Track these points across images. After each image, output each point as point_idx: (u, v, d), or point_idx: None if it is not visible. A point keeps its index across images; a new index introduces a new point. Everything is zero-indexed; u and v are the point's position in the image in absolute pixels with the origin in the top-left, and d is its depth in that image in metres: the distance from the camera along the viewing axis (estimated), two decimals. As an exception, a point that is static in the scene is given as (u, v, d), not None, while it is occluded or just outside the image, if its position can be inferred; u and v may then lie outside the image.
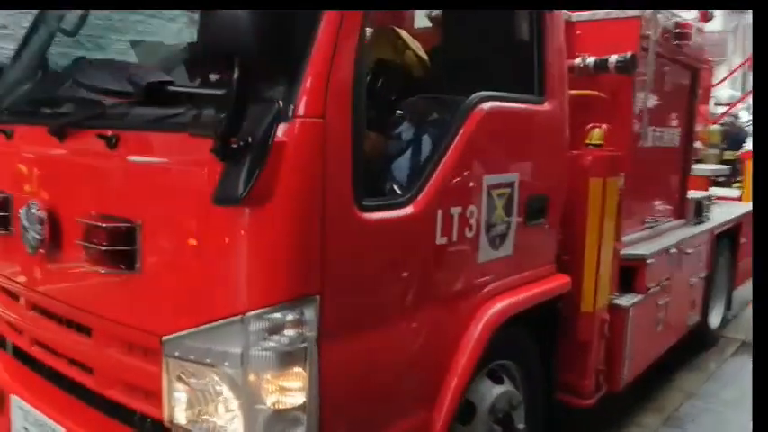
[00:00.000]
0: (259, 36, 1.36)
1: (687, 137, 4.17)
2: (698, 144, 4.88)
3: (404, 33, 2.72)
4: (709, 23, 4.50)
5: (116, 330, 1.89)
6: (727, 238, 4.80)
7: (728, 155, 6.56)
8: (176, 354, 1.71)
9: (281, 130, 1.57)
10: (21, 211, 2.10)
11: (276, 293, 1.62)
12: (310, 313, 1.65)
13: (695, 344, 4.60)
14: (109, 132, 1.83)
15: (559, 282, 2.71)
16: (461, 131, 2.11)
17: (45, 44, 2.62)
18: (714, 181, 5.73)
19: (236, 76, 1.38)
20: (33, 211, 2.05)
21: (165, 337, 1.73)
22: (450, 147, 2.07)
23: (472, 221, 2.17)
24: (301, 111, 1.59)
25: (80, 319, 2.00)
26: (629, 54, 3.06)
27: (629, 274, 3.32)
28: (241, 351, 1.62)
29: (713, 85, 5.89)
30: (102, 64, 2.21)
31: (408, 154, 2.16)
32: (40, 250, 2.06)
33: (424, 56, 2.70)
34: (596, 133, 3.00)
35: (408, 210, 1.92)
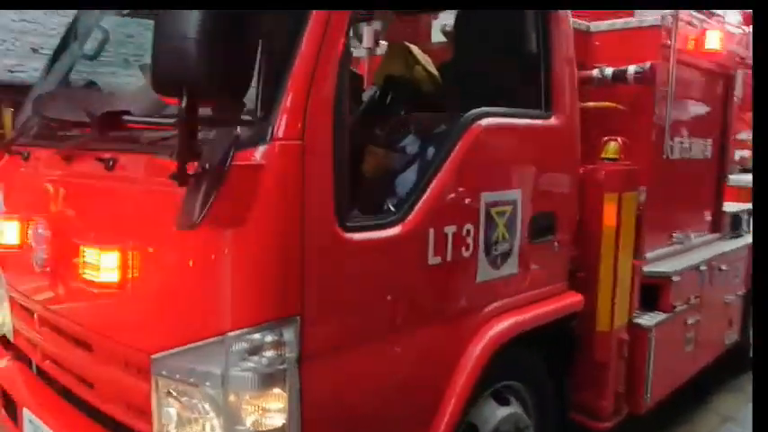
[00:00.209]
0: (207, 64, 1.37)
1: (722, 147, 3.99)
2: (745, 153, 4.66)
3: (414, 48, 2.71)
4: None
5: (113, 347, 1.93)
6: (768, 252, 4.56)
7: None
8: (164, 372, 1.74)
9: (259, 152, 1.58)
10: (29, 230, 2.20)
11: (255, 314, 1.62)
12: (290, 334, 1.64)
13: (734, 364, 4.38)
14: (107, 155, 1.89)
15: (571, 300, 2.62)
16: (456, 148, 2.07)
17: (67, 68, 2.73)
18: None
19: (183, 104, 1.40)
20: (40, 231, 2.14)
21: (153, 356, 1.75)
22: (443, 164, 2.04)
23: (469, 240, 2.12)
24: (280, 133, 1.60)
25: (81, 335, 2.06)
26: (647, 64, 2.98)
27: (653, 292, 3.19)
28: (221, 372, 1.63)
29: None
30: (68, 93, 2.27)
31: (409, 170, 2.14)
32: (46, 268, 2.14)
33: (434, 71, 2.68)
34: (612, 146, 2.91)
35: (396, 229, 1.89)
